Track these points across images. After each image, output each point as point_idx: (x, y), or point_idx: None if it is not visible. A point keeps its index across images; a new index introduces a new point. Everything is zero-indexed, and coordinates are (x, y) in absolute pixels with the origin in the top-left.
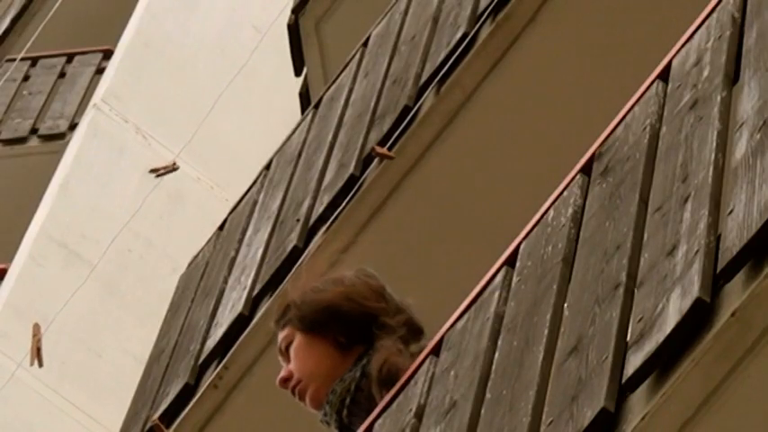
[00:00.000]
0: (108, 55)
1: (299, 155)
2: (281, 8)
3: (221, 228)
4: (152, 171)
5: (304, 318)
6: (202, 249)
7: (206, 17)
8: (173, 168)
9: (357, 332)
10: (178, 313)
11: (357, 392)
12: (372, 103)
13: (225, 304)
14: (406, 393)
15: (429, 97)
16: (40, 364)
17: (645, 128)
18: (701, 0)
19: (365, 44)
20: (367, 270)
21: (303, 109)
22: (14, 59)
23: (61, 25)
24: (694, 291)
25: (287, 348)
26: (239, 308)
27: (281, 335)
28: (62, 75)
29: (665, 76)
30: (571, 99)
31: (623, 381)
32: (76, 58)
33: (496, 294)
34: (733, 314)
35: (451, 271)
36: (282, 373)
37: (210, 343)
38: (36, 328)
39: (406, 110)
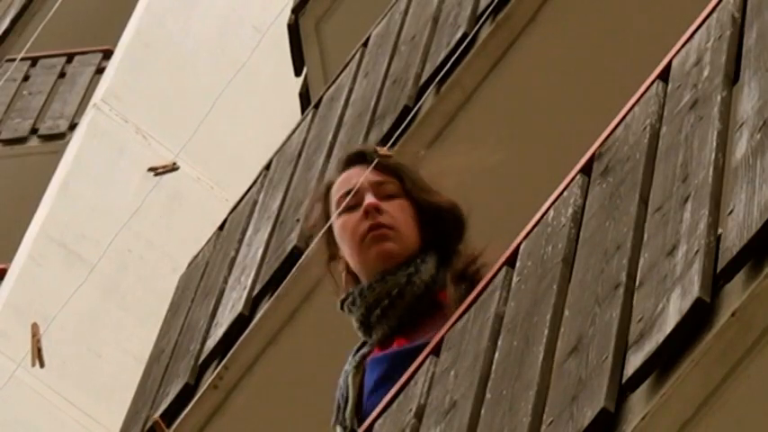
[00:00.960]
0: (108, 55)
1: (299, 155)
2: (280, 8)
3: (221, 228)
4: (151, 170)
5: (425, 199)
6: (202, 249)
7: (206, 17)
8: (172, 168)
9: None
10: (178, 313)
11: (397, 298)
12: (372, 103)
13: (225, 304)
14: (406, 393)
15: (429, 97)
16: (42, 365)
17: (645, 128)
18: (701, 0)
19: (365, 44)
20: None
21: (303, 109)
22: (14, 59)
23: (61, 25)
24: (694, 291)
25: (390, 194)
26: (239, 308)
27: (386, 179)
28: (62, 75)
29: (665, 76)
30: (571, 99)
31: (623, 381)
32: (76, 58)
33: (496, 294)
34: (733, 314)
35: None
36: (376, 204)
37: (210, 343)
38: (35, 327)
39: (407, 110)
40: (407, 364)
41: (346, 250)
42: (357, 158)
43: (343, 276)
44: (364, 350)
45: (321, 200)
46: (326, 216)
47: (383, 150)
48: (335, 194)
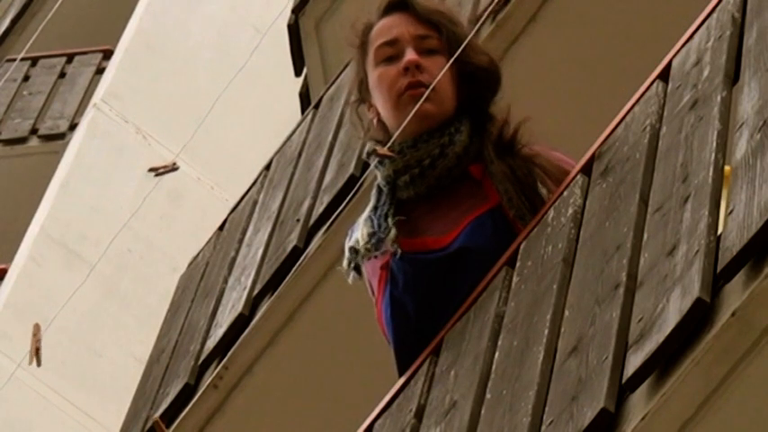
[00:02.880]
0: (108, 55)
1: (299, 155)
2: (281, 8)
3: (221, 228)
4: (151, 170)
5: (466, 59)
6: (202, 249)
7: (206, 17)
8: (172, 168)
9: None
10: (178, 313)
11: (429, 168)
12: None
13: (225, 304)
14: (405, 393)
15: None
16: (39, 364)
17: (645, 128)
18: (701, 0)
19: None
20: None
21: (303, 109)
22: (14, 59)
23: (61, 25)
24: (694, 291)
25: (431, 50)
26: (239, 308)
27: (428, 32)
28: (62, 75)
29: (665, 75)
30: (571, 99)
31: (623, 381)
32: (76, 59)
33: (496, 294)
34: (733, 314)
35: None
36: (418, 58)
37: (210, 343)
38: (36, 327)
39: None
40: (433, 274)
41: (380, 102)
42: (399, 5)
43: (374, 123)
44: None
45: (358, 41)
46: (363, 60)
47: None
48: (374, 41)
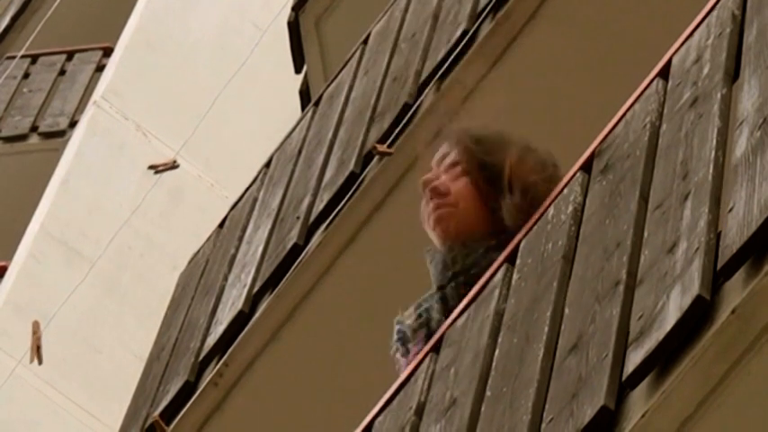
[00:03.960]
0: (108, 52)
1: (300, 152)
2: (281, 6)
3: (221, 225)
4: (151, 167)
5: (495, 177)
6: (202, 247)
7: (206, 15)
8: (173, 166)
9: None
10: (178, 311)
11: (473, 277)
12: (373, 101)
13: (225, 302)
14: (406, 391)
15: (429, 95)
16: (40, 362)
17: (645, 125)
18: None
19: (365, 41)
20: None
21: (303, 106)
22: (14, 57)
23: (61, 23)
24: (694, 288)
25: (452, 165)
26: (239, 305)
27: (452, 150)
28: (62, 72)
29: (665, 73)
30: (571, 97)
31: (623, 378)
32: (76, 56)
33: (496, 292)
34: (733, 312)
35: None
36: (436, 181)
37: (211, 340)
38: (35, 325)
39: (407, 107)
40: None
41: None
42: (456, 136)
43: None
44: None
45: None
46: None
47: (384, 148)
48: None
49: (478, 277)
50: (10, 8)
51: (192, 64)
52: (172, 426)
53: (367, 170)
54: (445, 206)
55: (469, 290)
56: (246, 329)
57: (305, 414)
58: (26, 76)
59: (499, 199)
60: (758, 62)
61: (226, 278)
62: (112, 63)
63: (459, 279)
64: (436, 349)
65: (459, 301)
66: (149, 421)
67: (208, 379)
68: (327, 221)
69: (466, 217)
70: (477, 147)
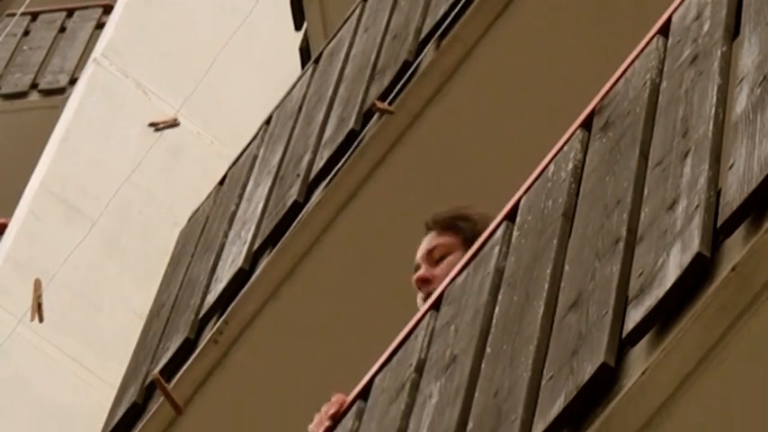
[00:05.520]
0: (108, 10)
1: (300, 110)
2: None
3: (221, 183)
4: (152, 125)
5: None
6: (202, 204)
7: None
8: (173, 123)
9: None
10: (178, 268)
11: None
12: (373, 58)
13: (225, 259)
14: (406, 348)
15: (429, 52)
16: (41, 320)
17: (645, 83)
18: None
19: None
20: None
21: (303, 64)
22: (14, 14)
23: None
24: (694, 245)
25: (441, 256)
26: (239, 262)
27: (442, 239)
28: (62, 30)
29: (665, 30)
30: (571, 54)
31: (623, 336)
32: (76, 13)
33: (497, 249)
34: (733, 269)
35: None
36: (425, 273)
37: (211, 298)
38: (37, 283)
39: (407, 65)
40: None
41: None
42: (425, 229)
43: None
44: None
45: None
46: None
47: (383, 105)
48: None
49: None
50: None
51: (192, 21)
52: (172, 383)
53: (367, 127)
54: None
55: None
56: (246, 287)
57: (305, 371)
58: (26, 33)
59: None
60: (758, 19)
61: (226, 235)
62: (112, 20)
63: None
64: (436, 307)
65: None
66: (149, 378)
67: (208, 336)
68: (327, 179)
69: None
70: (458, 225)
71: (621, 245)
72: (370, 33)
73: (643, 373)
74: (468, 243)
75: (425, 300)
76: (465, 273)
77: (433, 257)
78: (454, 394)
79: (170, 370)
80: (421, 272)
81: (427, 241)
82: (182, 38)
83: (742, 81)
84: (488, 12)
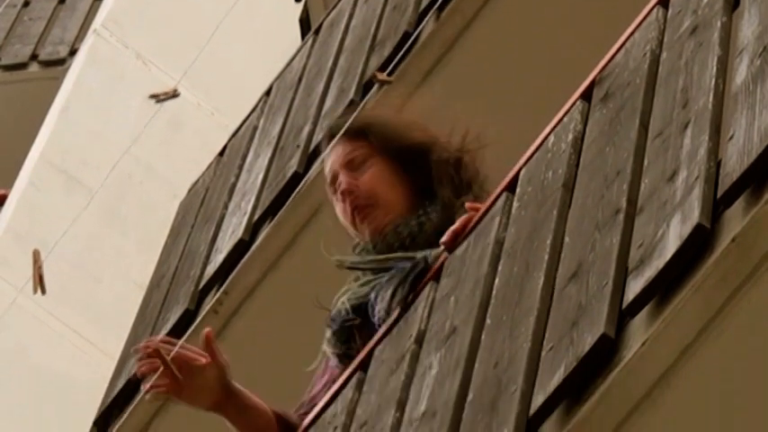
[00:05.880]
0: None
1: (300, 81)
2: None
3: (221, 153)
4: (152, 96)
5: (399, 146)
6: (203, 175)
7: None
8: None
9: (431, 181)
10: (178, 239)
11: (411, 245)
12: (373, 29)
13: (225, 230)
14: (406, 319)
15: (429, 23)
16: (43, 291)
17: (645, 53)
18: None
19: None
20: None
21: (303, 35)
22: None
23: None
24: (694, 216)
25: (360, 163)
26: (239, 233)
27: (354, 147)
28: (62, 1)
29: (665, 1)
30: (571, 25)
31: (623, 306)
32: None
33: (496, 220)
34: (733, 240)
35: None
36: (348, 185)
37: (211, 269)
38: (36, 254)
39: (407, 36)
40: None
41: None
42: (329, 139)
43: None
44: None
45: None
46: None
47: (383, 76)
48: (326, 183)
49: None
50: None
51: None
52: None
53: (367, 98)
54: (365, 206)
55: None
56: (246, 258)
57: (304, 342)
58: (26, 4)
59: (411, 169)
60: None
61: (226, 206)
62: None
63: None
64: (436, 278)
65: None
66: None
67: (208, 307)
68: (328, 149)
69: (388, 202)
70: (373, 131)
71: (621, 216)
72: (369, 4)
73: (643, 344)
74: (380, 150)
75: (353, 212)
76: (465, 244)
77: (354, 166)
78: (454, 365)
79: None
80: (345, 183)
81: (339, 150)
82: (182, 9)
83: (742, 52)
84: None
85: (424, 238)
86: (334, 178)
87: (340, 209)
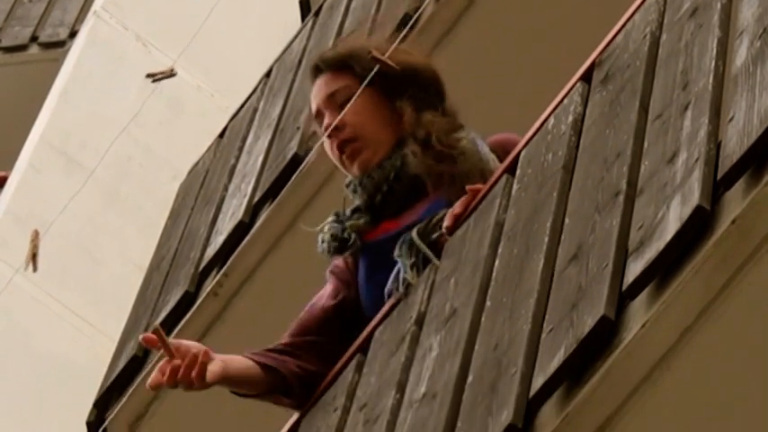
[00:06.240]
0: None
1: (300, 62)
2: None
3: (221, 135)
4: (149, 76)
5: (384, 74)
6: (202, 157)
7: None
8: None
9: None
10: (178, 221)
11: (395, 182)
12: (373, 11)
13: (225, 212)
14: (406, 301)
15: (429, 5)
16: (35, 269)
17: (645, 35)
18: None
19: None
20: None
21: (303, 17)
22: None
23: None
24: (694, 198)
25: (345, 97)
26: (239, 215)
27: (339, 81)
28: None
29: None
30: (571, 7)
31: (623, 288)
32: None
33: (497, 202)
34: (733, 222)
35: None
36: (332, 122)
37: (211, 251)
38: (35, 233)
39: (407, 18)
40: (391, 249)
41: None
42: (314, 73)
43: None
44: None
45: (312, 119)
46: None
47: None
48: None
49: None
50: None
51: None
52: (172, 335)
53: (367, 80)
54: (352, 141)
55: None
56: (246, 239)
57: None
58: None
59: (395, 100)
60: None
61: (226, 188)
62: None
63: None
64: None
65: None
66: (149, 331)
67: (208, 289)
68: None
69: (375, 139)
70: (355, 62)
71: (621, 198)
72: None
73: (643, 326)
74: (363, 81)
75: (339, 149)
76: (465, 226)
77: (337, 101)
78: (454, 347)
79: (170, 323)
80: (328, 119)
81: (323, 85)
82: None
83: (742, 34)
84: None
85: (407, 174)
86: (319, 111)
87: (327, 145)
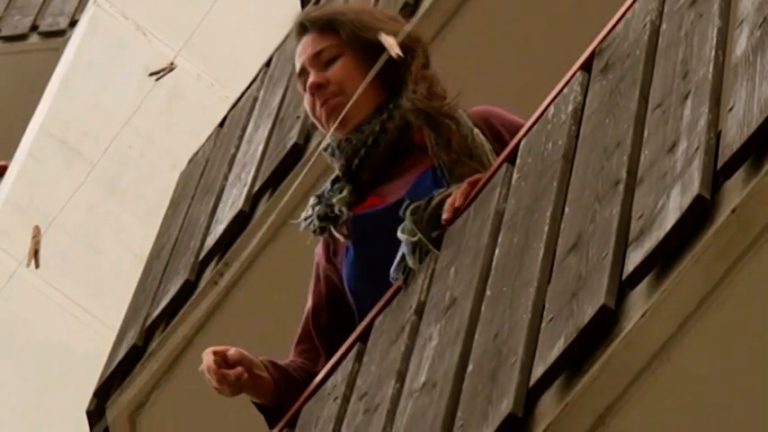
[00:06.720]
0: None
1: None
2: None
3: (221, 125)
4: (152, 74)
5: (368, 39)
6: (203, 146)
7: None
8: (170, 68)
9: (398, 76)
10: (178, 210)
11: (373, 146)
12: (372, 0)
13: (225, 201)
14: (406, 291)
15: None
16: (37, 265)
17: (645, 24)
18: None
19: None
20: None
21: (303, 5)
22: None
23: None
24: (694, 187)
25: (329, 57)
26: (240, 205)
27: (324, 41)
28: None
29: None
30: None
31: (623, 278)
32: None
33: (496, 191)
34: (733, 211)
35: None
36: (317, 78)
37: (211, 240)
38: (36, 229)
39: (406, 6)
40: (378, 225)
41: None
42: (300, 31)
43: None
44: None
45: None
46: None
47: None
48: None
49: (385, 152)
50: None
51: None
52: (171, 324)
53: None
54: (332, 97)
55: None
56: (247, 229)
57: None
58: None
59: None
60: None
61: (226, 178)
62: None
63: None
64: (437, 248)
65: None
66: (149, 321)
67: (208, 278)
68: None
69: (356, 100)
70: (351, 21)
71: (621, 187)
72: None
73: (643, 316)
74: (349, 44)
75: (321, 107)
76: (465, 215)
77: (322, 60)
78: (454, 336)
79: (170, 312)
80: (313, 77)
81: (308, 44)
82: None
83: (742, 23)
84: None
85: (385, 139)
86: (303, 70)
87: (308, 102)
